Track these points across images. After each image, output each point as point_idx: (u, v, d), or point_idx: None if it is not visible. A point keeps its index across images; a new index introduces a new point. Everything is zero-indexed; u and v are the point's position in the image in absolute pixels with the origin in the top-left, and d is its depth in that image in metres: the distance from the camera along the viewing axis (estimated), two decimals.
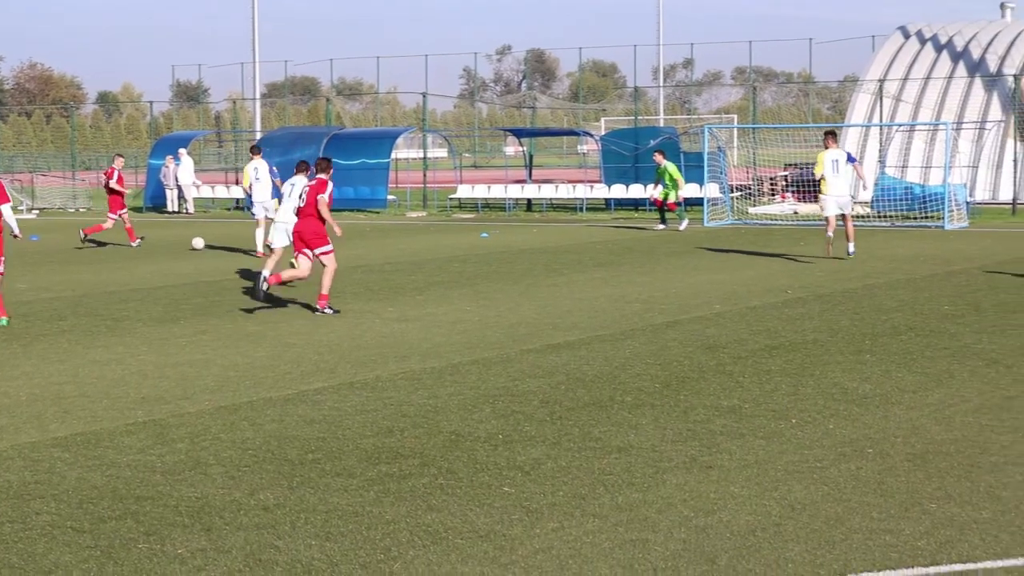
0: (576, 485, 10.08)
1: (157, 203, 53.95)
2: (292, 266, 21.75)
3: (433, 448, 11.32)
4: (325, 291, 20.37)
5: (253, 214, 32.35)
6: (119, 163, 35.67)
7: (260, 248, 30.82)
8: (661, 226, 39.15)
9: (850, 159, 28.84)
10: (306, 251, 20.63)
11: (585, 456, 10.98)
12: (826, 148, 28.62)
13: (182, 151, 53.65)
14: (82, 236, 34.52)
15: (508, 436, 11.75)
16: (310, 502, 9.67)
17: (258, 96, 78.57)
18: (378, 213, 49.45)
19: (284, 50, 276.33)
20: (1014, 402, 13.00)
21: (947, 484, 9.96)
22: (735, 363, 15.40)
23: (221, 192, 55.34)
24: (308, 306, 20.89)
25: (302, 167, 22.54)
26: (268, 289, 20.65)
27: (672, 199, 39.05)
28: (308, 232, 20.54)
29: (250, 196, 32.46)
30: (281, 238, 23.61)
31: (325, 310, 20.17)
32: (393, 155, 55.22)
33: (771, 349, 16.38)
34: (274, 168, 32.43)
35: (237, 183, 57.17)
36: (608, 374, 14.77)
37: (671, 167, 39.13)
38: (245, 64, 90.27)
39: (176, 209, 52.70)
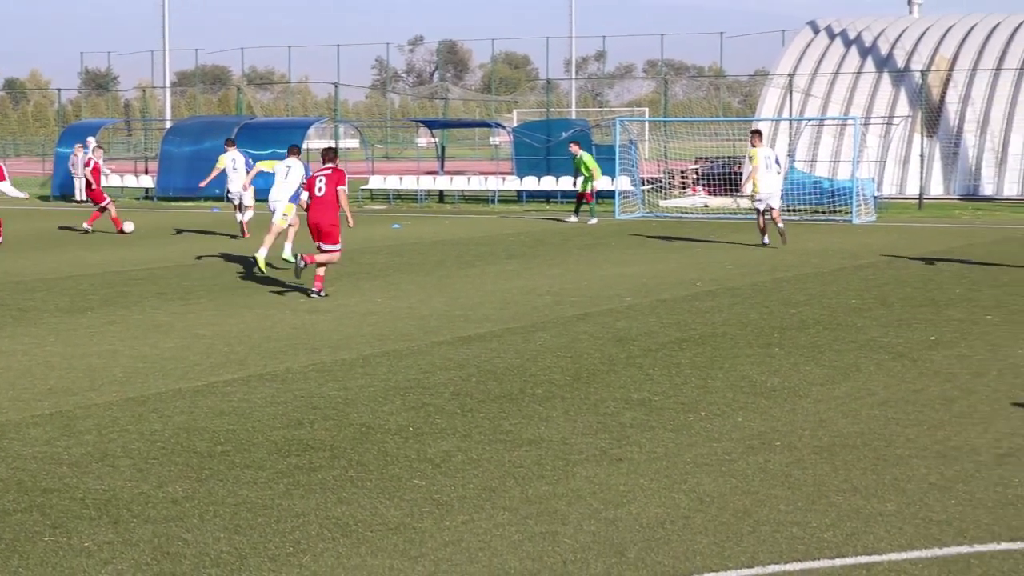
0: (486, 478, 10.09)
1: (66, 192, 53.43)
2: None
3: (343, 440, 11.30)
4: (321, 273, 21.27)
5: (231, 200, 34.16)
6: (98, 154, 36.85)
7: (246, 230, 32.89)
8: (573, 218, 39.16)
9: (778, 162, 31.05)
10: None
11: (495, 449, 11.00)
12: (754, 146, 30.35)
13: (91, 139, 53.05)
14: (117, 230, 35.12)
15: (419, 428, 11.75)
16: (219, 494, 9.62)
17: (168, 85, 77.94)
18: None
19: (195, 38, 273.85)
20: (920, 395, 13.16)
21: (853, 477, 10.07)
22: (645, 356, 15.48)
23: (130, 181, 54.84)
24: (257, 276, 20.76)
25: (294, 150, 24.80)
26: (304, 267, 21.16)
27: (587, 190, 38.92)
28: (325, 223, 21.29)
29: (226, 185, 34.02)
30: (277, 215, 25.23)
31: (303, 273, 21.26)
32: (305, 145, 54.90)
33: (681, 342, 16.48)
34: (250, 160, 33.29)
35: (147, 172, 56.74)
36: (519, 367, 14.79)
37: (586, 157, 39.03)
38: (155, 52, 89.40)
39: (84, 198, 52.13)
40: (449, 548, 8.45)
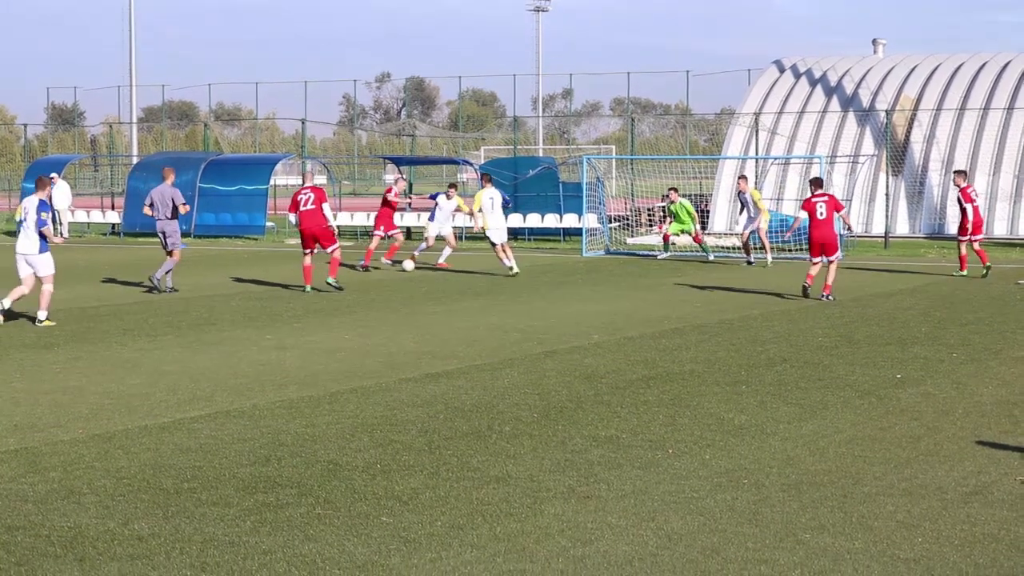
0: (454, 515, 10.07)
1: None
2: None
3: (311, 477, 11.26)
4: (830, 281, 26.62)
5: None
6: (401, 186, 37.68)
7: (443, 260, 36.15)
8: (664, 255, 40.00)
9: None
10: None
11: (463, 486, 10.98)
12: (744, 191, 37.18)
13: (55, 175, 52.86)
14: (388, 263, 36.13)
15: (386, 466, 11.72)
16: (185, 532, 9.57)
17: (135, 120, 77.82)
18: (256, 240, 49.13)
19: (161, 74, 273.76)
20: (886, 433, 13.20)
21: (821, 514, 10.08)
22: (613, 393, 15.48)
23: (96, 217, 54.66)
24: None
25: (487, 178, 33.27)
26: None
27: (694, 232, 39.50)
28: (829, 238, 26.64)
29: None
30: (504, 236, 33.15)
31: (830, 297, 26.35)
32: (272, 181, 54.91)
33: (649, 380, 16.49)
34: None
35: (113, 208, 56.45)
36: (486, 404, 14.78)
37: (686, 203, 39.73)
38: (122, 87, 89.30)
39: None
40: None
